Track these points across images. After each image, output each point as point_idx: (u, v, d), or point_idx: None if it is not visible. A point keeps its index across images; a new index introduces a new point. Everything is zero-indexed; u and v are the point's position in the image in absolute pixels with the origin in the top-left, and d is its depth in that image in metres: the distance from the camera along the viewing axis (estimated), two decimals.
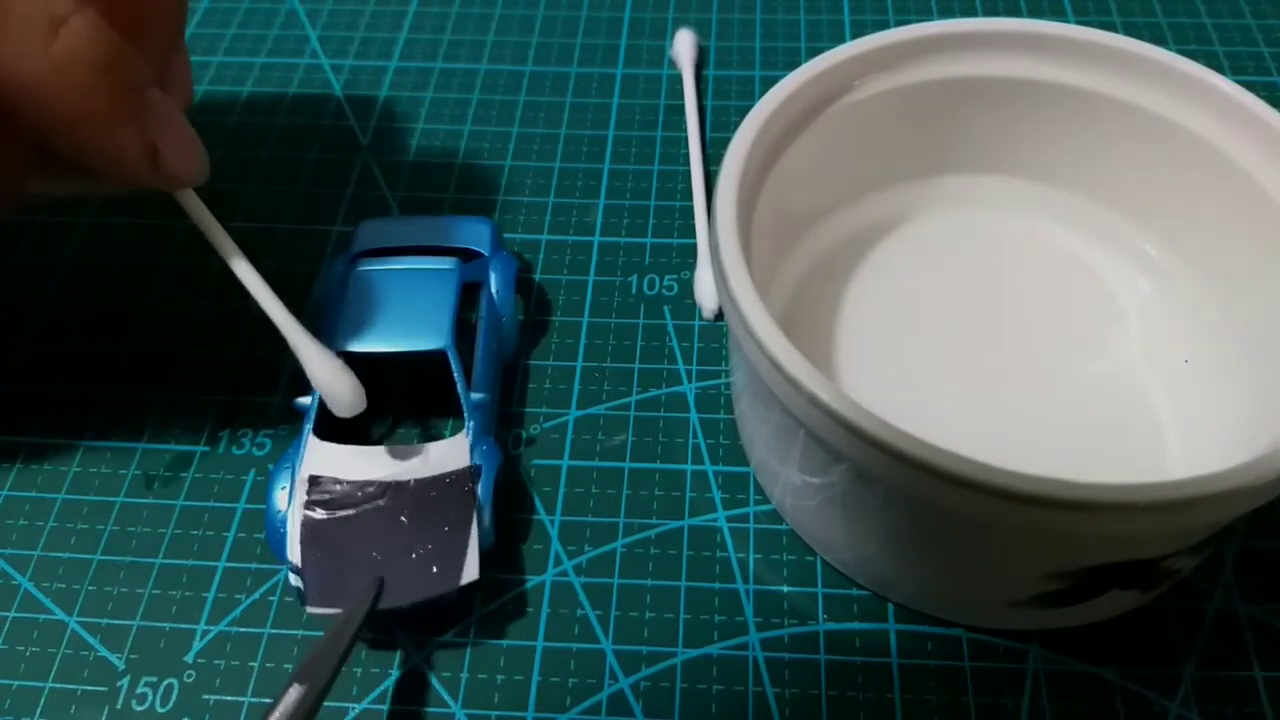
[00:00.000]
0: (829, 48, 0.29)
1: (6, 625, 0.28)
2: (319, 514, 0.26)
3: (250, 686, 0.26)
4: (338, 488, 0.27)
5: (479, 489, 0.27)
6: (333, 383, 0.26)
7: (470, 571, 0.26)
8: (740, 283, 0.24)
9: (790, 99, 0.28)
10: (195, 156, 0.25)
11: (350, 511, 0.27)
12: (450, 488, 0.27)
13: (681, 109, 0.40)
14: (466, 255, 0.32)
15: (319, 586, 0.26)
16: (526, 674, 0.26)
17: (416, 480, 0.27)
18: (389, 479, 0.27)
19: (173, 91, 0.26)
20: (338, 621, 0.25)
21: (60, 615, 0.28)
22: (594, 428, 0.31)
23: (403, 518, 0.27)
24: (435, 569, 0.26)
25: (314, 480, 0.27)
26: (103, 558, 0.29)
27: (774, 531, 0.29)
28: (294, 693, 0.23)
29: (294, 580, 0.26)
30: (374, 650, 0.27)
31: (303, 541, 0.26)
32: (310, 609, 0.26)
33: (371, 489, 0.27)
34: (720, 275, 0.24)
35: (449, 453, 0.28)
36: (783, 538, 0.29)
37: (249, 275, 0.26)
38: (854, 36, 0.30)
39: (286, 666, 0.27)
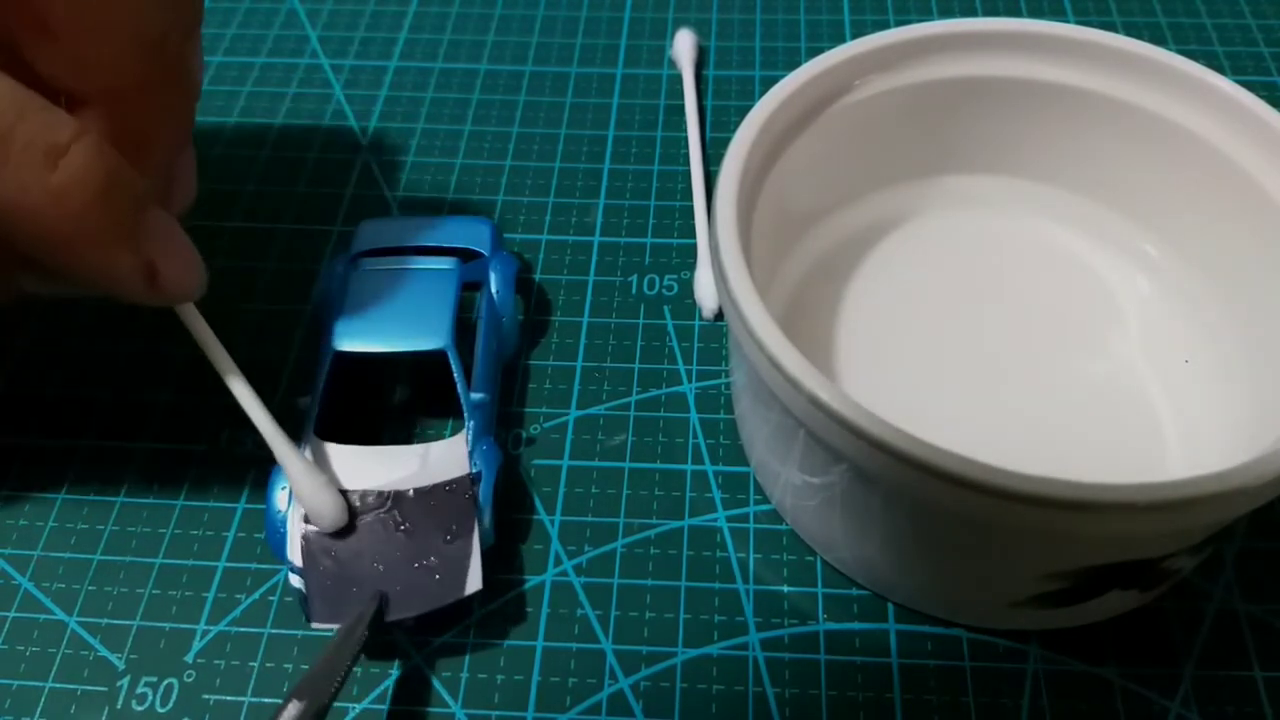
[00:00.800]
0: (829, 48, 0.29)
1: (6, 625, 0.27)
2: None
3: (250, 686, 0.26)
4: None
5: (479, 490, 0.27)
6: (314, 497, 0.26)
7: (474, 581, 0.26)
8: (740, 283, 0.24)
9: (790, 99, 0.28)
10: (193, 275, 0.24)
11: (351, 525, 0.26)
12: (450, 496, 0.27)
13: (681, 109, 0.40)
14: (466, 255, 0.32)
15: (322, 601, 0.25)
16: (526, 674, 0.26)
17: (416, 490, 0.27)
18: (388, 487, 0.27)
19: (176, 191, 0.26)
20: (336, 637, 0.25)
21: (60, 615, 0.28)
22: (594, 428, 0.31)
23: (404, 528, 0.26)
24: (438, 579, 0.26)
25: None
26: (103, 558, 0.29)
27: (774, 531, 0.29)
28: (292, 709, 0.23)
29: (294, 581, 0.26)
30: (374, 650, 0.27)
31: (304, 556, 0.26)
32: (315, 624, 0.25)
33: (371, 500, 0.27)
34: (720, 275, 0.24)
35: (449, 453, 0.28)
36: (783, 538, 0.29)
37: (242, 390, 0.26)
38: (854, 36, 0.30)
39: (286, 666, 0.27)
